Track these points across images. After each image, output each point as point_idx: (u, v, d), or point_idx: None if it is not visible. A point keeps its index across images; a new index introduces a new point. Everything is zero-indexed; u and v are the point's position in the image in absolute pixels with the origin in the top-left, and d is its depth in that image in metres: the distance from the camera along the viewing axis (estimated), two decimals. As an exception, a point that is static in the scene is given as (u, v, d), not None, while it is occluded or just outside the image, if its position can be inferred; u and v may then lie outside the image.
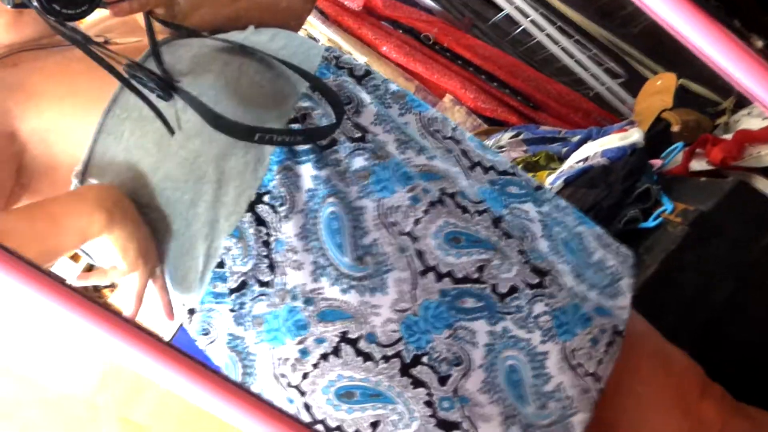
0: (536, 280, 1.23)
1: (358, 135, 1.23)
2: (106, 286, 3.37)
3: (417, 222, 1.20)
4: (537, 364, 1.21)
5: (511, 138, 2.61)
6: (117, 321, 0.57)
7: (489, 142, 2.65)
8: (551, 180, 2.11)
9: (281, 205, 1.18)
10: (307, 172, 1.19)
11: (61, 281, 0.59)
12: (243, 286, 1.19)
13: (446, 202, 1.23)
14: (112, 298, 3.20)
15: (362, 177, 1.21)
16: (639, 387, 1.37)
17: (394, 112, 1.33)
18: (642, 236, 1.86)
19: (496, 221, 1.25)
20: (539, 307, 1.22)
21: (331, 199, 1.19)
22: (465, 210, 1.24)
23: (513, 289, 1.21)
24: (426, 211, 1.21)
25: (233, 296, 1.19)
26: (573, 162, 2.16)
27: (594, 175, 2.03)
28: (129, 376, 0.68)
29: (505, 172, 1.36)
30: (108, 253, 1.19)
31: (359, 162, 1.21)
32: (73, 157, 1.18)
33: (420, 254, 1.19)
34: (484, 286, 1.20)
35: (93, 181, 1.19)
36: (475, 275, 1.20)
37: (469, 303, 1.20)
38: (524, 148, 2.60)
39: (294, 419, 0.54)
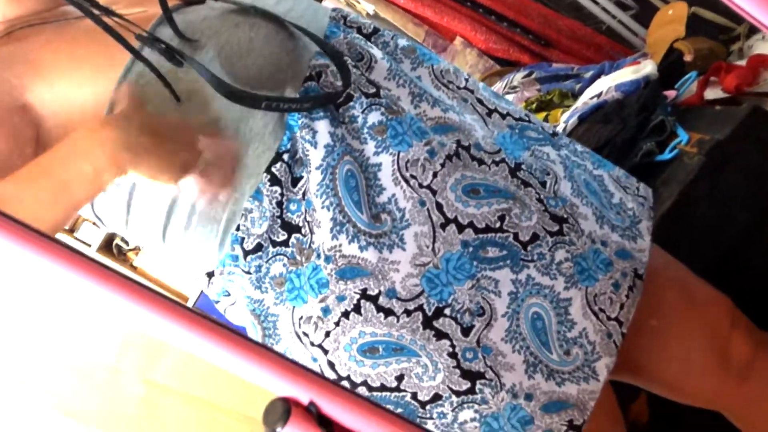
0: (556, 228, 1.23)
1: (372, 90, 1.23)
2: (130, 249, 3.41)
3: (435, 175, 1.20)
4: (561, 310, 1.22)
5: (523, 78, 2.59)
6: (138, 289, 0.59)
7: (502, 83, 2.64)
8: (565, 117, 2.10)
9: (298, 163, 1.19)
10: (324, 128, 1.19)
11: (81, 252, 0.61)
12: (258, 248, 1.20)
13: (462, 155, 1.23)
14: (137, 261, 3.24)
15: (379, 132, 1.21)
16: (663, 322, 1.38)
17: (406, 67, 1.33)
18: (658, 169, 1.85)
19: (514, 170, 1.25)
20: (561, 254, 1.23)
21: (347, 158, 1.19)
22: (481, 161, 1.24)
23: (535, 237, 1.22)
24: (443, 164, 1.21)
25: (249, 258, 1.20)
26: (587, 98, 2.15)
27: (608, 110, 2.02)
28: (148, 339, 0.70)
29: (520, 119, 1.36)
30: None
31: (375, 117, 1.21)
32: (90, 118, 1.18)
33: (440, 207, 1.20)
34: (507, 234, 1.21)
35: None
36: (497, 224, 1.21)
37: (492, 252, 1.20)
38: (537, 87, 2.58)
39: (317, 375, 0.56)
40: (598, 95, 2.07)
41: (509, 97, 2.55)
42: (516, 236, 1.21)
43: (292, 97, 1.19)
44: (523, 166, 1.26)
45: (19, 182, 1.08)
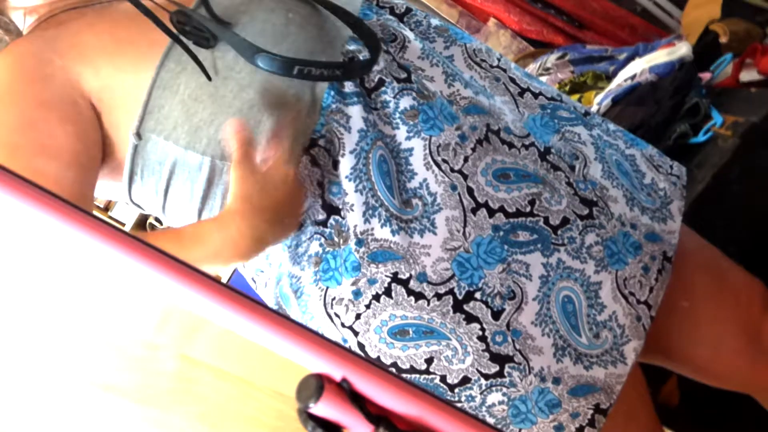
0: (585, 211, 1.24)
1: (404, 76, 1.24)
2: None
3: (466, 159, 1.21)
4: (591, 294, 1.22)
5: (557, 59, 2.58)
6: (176, 264, 0.60)
7: (535, 65, 2.63)
8: (599, 99, 2.09)
9: (334, 147, 1.20)
10: (358, 112, 1.20)
11: (119, 229, 0.62)
12: (300, 225, 1.22)
13: (492, 139, 1.23)
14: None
15: (411, 116, 1.21)
16: (694, 304, 1.38)
17: (439, 46, 1.33)
18: (692, 151, 1.85)
19: (543, 154, 1.26)
20: (591, 238, 1.23)
21: (379, 143, 1.20)
22: (511, 145, 1.24)
23: (565, 221, 1.22)
24: (473, 149, 1.22)
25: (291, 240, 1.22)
26: (620, 80, 2.14)
27: (642, 92, 2.01)
28: (185, 315, 0.71)
29: (553, 99, 1.36)
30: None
31: (407, 102, 1.22)
32: (130, 114, 1.19)
33: (470, 191, 1.20)
34: (537, 218, 1.22)
35: (152, 136, 1.20)
36: (527, 209, 1.21)
37: (523, 236, 1.21)
38: (571, 68, 2.57)
39: (350, 352, 0.57)
40: (632, 77, 2.06)
41: (543, 79, 2.53)
42: (546, 220, 1.22)
43: (325, 62, 1.20)
44: (552, 150, 1.26)
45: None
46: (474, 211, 1.19)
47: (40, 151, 1.14)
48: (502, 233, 1.19)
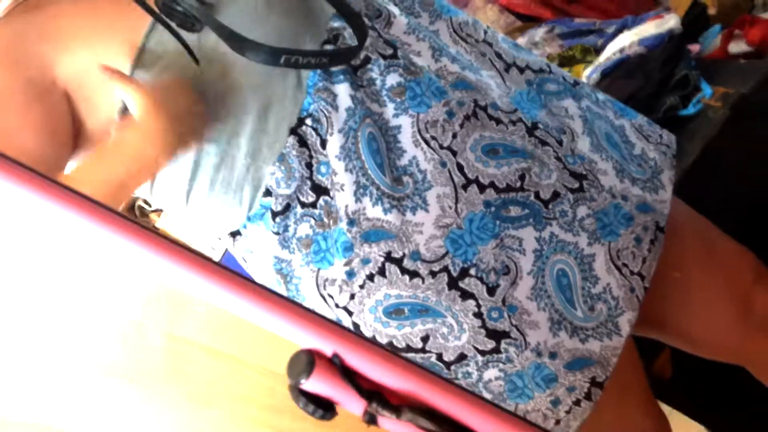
0: (576, 185, 1.23)
1: (389, 52, 1.22)
2: (152, 211, 3.42)
3: (455, 136, 1.20)
4: (585, 266, 1.22)
5: (545, 33, 2.57)
6: (164, 242, 0.59)
7: (523, 39, 2.61)
8: (588, 73, 2.08)
9: (321, 126, 1.19)
10: (344, 90, 1.19)
11: (111, 208, 0.61)
12: (287, 208, 1.21)
13: (479, 115, 1.22)
14: (160, 222, 3.26)
15: (398, 94, 1.20)
16: (685, 274, 1.38)
17: (424, 21, 1.32)
18: (682, 124, 1.84)
19: (531, 129, 1.25)
20: (582, 210, 1.22)
21: (367, 120, 1.19)
22: (498, 121, 1.23)
23: (556, 194, 1.22)
24: (461, 125, 1.21)
25: (277, 219, 1.21)
26: (609, 53, 2.13)
27: (631, 65, 2.00)
28: (174, 294, 0.71)
29: (540, 70, 1.35)
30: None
31: (394, 78, 1.21)
32: (111, 97, 1.18)
33: (460, 167, 1.20)
34: (528, 193, 1.21)
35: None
36: (518, 183, 1.21)
37: (514, 211, 1.20)
38: (559, 42, 2.56)
39: (341, 327, 0.56)
40: (621, 50, 2.05)
41: (531, 53, 2.52)
42: (537, 194, 1.21)
43: (310, 51, 1.19)
44: (539, 125, 1.26)
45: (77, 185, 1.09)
46: (465, 187, 1.18)
47: (4, 138, 1.13)
48: (493, 209, 1.18)
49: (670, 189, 1.30)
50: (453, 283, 1.16)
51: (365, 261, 1.16)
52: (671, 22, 2.07)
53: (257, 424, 0.98)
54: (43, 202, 0.58)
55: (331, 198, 1.17)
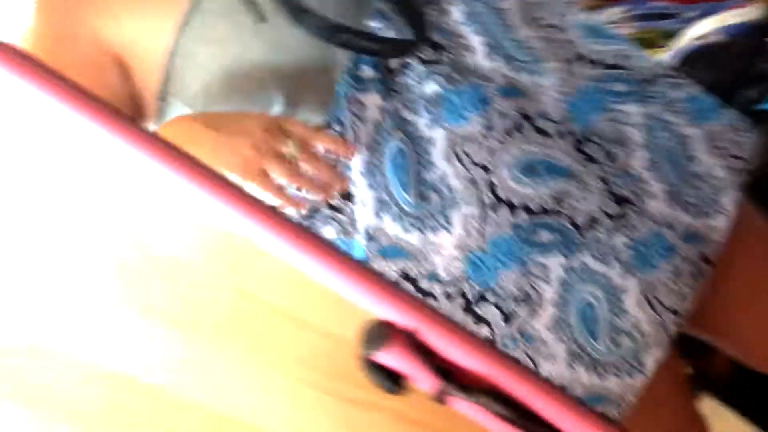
0: (617, 210, 1.16)
1: (432, 57, 1.17)
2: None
3: (491, 152, 1.15)
4: (614, 299, 1.15)
5: (622, 13, 2.52)
6: (244, 197, 0.58)
7: (601, 18, 2.56)
8: (665, 58, 2.04)
9: (347, 136, 1.16)
10: (374, 102, 1.15)
11: (185, 154, 0.60)
12: (314, 210, 1.18)
13: (523, 127, 1.16)
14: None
15: (434, 104, 1.15)
16: (748, 291, 1.33)
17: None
18: (760, 118, 1.79)
19: (580, 143, 1.18)
20: (619, 240, 1.15)
21: (397, 132, 1.15)
22: (544, 133, 1.17)
23: (593, 221, 1.15)
24: (500, 140, 1.15)
25: (304, 221, 1.18)
26: (688, 39, 2.08)
27: (710, 53, 1.95)
28: (241, 245, 0.70)
29: (614, 66, 1.26)
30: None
31: (432, 87, 1.16)
32: (152, 75, 1.17)
33: (492, 187, 1.14)
34: (562, 217, 1.15)
35: (173, 101, 1.17)
36: (552, 206, 1.15)
37: (545, 237, 1.14)
38: (634, 24, 2.51)
39: (424, 303, 0.55)
40: (701, 37, 2.00)
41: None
42: (572, 219, 1.15)
43: (367, 32, 1.15)
44: (593, 137, 1.19)
45: None
46: (494, 208, 1.13)
47: None
48: (522, 233, 1.13)
49: (730, 214, 1.21)
50: (468, 308, 1.13)
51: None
52: (755, 11, 2.02)
53: (317, 388, 0.98)
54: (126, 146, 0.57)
55: (354, 209, 1.15)
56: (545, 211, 1.14)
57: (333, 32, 1.09)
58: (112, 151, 0.64)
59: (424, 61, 1.16)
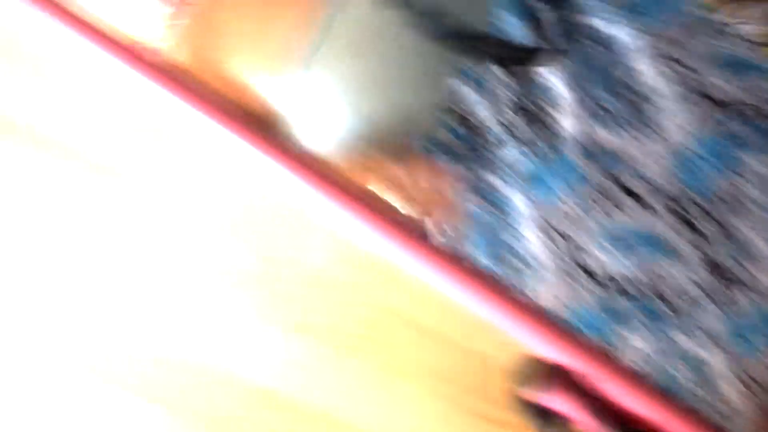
0: (720, 293, 1.07)
1: (527, 136, 1.13)
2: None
3: (577, 221, 1.09)
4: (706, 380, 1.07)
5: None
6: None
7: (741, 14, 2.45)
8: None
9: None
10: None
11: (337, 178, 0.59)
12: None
13: (616, 196, 1.10)
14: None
15: (525, 180, 1.11)
16: None
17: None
18: None
19: (686, 214, 1.10)
20: (714, 321, 1.07)
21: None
22: (644, 204, 1.10)
23: (692, 301, 1.08)
24: (587, 210, 1.09)
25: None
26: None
27: None
28: (384, 261, 0.70)
29: (757, 109, 1.15)
30: None
31: (525, 165, 1.11)
32: None
33: (574, 256, 1.08)
34: (651, 298, 1.08)
35: None
36: (640, 284, 1.08)
37: (629, 311, 1.08)
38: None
39: (597, 348, 0.52)
40: None
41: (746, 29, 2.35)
42: (663, 295, 1.07)
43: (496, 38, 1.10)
44: (704, 206, 1.10)
45: None
46: (574, 278, 1.07)
47: None
48: (605, 302, 1.07)
49: None
50: None
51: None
52: None
53: (448, 401, 0.96)
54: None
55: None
56: (632, 288, 1.08)
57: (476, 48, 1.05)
58: (256, 168, 0.63)
59: (517, 138, 1.12)
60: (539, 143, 1.12)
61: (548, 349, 0.52)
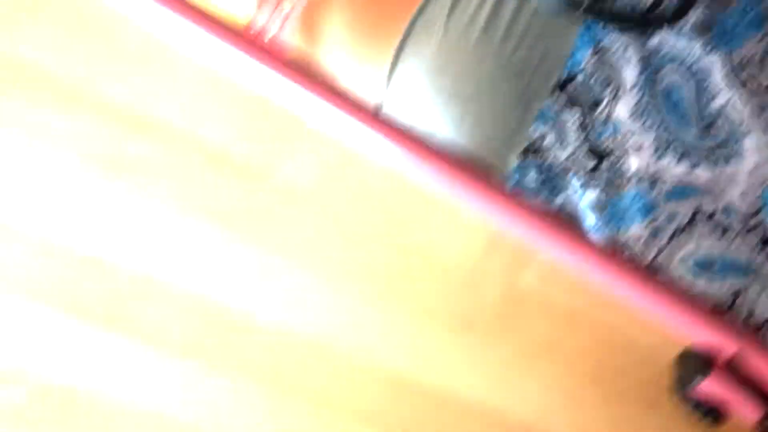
0: None
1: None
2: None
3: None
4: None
5: None
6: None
7: None
8: None
9: (601, 84, 1.09)
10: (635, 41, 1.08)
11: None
12: (565, 171, 1.13)
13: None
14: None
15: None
16: None
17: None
18: None
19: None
20: None
21: (668, 66, 1.07)
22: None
23: None
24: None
25: (545, 189, 1.13)
26: None
27: None
28: (515, 242, 0.69)
29: None
30: None
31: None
32: None
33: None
34: None
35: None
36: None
37: None
38: None
39: (746, 326, 0.50)
40: None
41: None
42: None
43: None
44: None
45: None
46: None
47: None
48: None
49: None
50: (766, 241, 1.05)
51: (671, 217, 1.07)
52: None
53: (592, 386, 0.94)
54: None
55: (618, 161, 1.08)
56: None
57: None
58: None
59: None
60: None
61: (698, 332, 0.50)
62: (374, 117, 0.59)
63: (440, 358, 0.96)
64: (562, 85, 1.04)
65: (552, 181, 1.12)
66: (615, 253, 0.52)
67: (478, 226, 0.79)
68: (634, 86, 1.03)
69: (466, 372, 0.97)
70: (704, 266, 1.09)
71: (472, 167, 0.58)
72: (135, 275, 0.90)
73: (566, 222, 0.58)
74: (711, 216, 1.05)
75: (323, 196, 0.90)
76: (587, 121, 1.06)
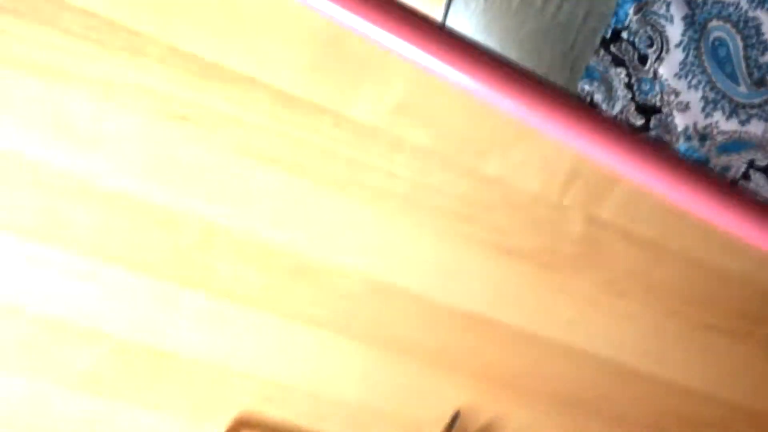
0: None
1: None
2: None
3: None
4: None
5: None
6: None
7: None
8: None
9: (647, 40, 1.05)
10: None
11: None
12: None
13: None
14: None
15: None
16: None
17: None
18: None
19: None
20: None
21: (714, 23, 1.03)
22: None
23: None
24: None
25: None
26: None
27: None
28: (596, 172, 0.68)
29: None
30: None
31: None
32: None
33: None
34: None
35: None
36: None
37: None
38: None
39: None
40: None
41: None
42: None
43: None
44: None
45: None
46: None
47: None
48: None
49: None
50: None
51: (725, 169, 1.04)
52: None
53: (678, 318, 0.91)
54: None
55: (666, 116, 1.05)
56: None
57: None
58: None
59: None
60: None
61: None
62: (449, 34, 0.57)
63: (520, 296, 0.94)
64: (607, 44, 1.02)
65: None
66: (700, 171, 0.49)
67: (556, 159, 0.77)
68: (678, 45, 1.01)
69: (548, 309, 0.96)
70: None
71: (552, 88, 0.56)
72: (205, 227, 0.90)
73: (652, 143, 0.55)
74: (766, 169, 1.01)
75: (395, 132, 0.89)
76: (633, 79, 1.04)
